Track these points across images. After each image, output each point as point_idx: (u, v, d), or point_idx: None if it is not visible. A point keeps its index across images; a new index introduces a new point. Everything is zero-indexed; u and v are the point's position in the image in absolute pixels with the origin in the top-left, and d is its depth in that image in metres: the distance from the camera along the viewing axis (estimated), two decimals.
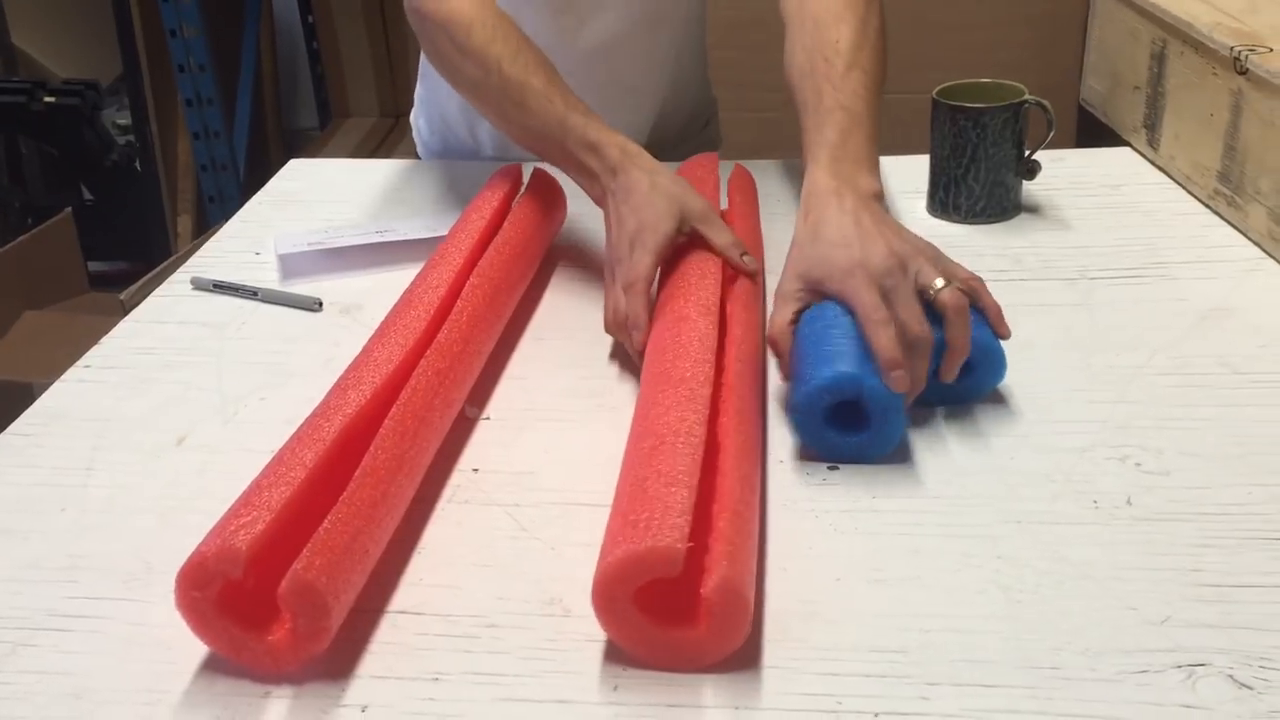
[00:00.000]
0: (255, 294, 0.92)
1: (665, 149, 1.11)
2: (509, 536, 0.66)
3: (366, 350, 0.73)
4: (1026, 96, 0.98)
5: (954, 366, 0.71)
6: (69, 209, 2.31)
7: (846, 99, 0.83)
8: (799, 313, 0.74)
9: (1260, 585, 0.59)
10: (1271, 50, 0.91)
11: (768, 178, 1.10)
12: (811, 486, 0.69)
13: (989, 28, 1.92)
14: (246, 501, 0.58)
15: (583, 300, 0.92)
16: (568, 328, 0.88)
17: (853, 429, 0.69)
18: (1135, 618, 0.58)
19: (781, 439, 0.73)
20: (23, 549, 0.66)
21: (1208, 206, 0.99)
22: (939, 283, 0.70)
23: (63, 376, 0.84)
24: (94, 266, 2.54)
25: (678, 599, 0.56)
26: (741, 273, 0.80)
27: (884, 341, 0.68)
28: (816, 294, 0.74)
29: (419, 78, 1.25)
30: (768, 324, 0.76)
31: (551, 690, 0.55)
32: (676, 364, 0.69)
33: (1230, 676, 0.54)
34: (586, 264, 0.98)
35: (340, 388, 0.69)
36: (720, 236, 0.81)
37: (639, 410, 0.68)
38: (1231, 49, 0.93)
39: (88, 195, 2.82)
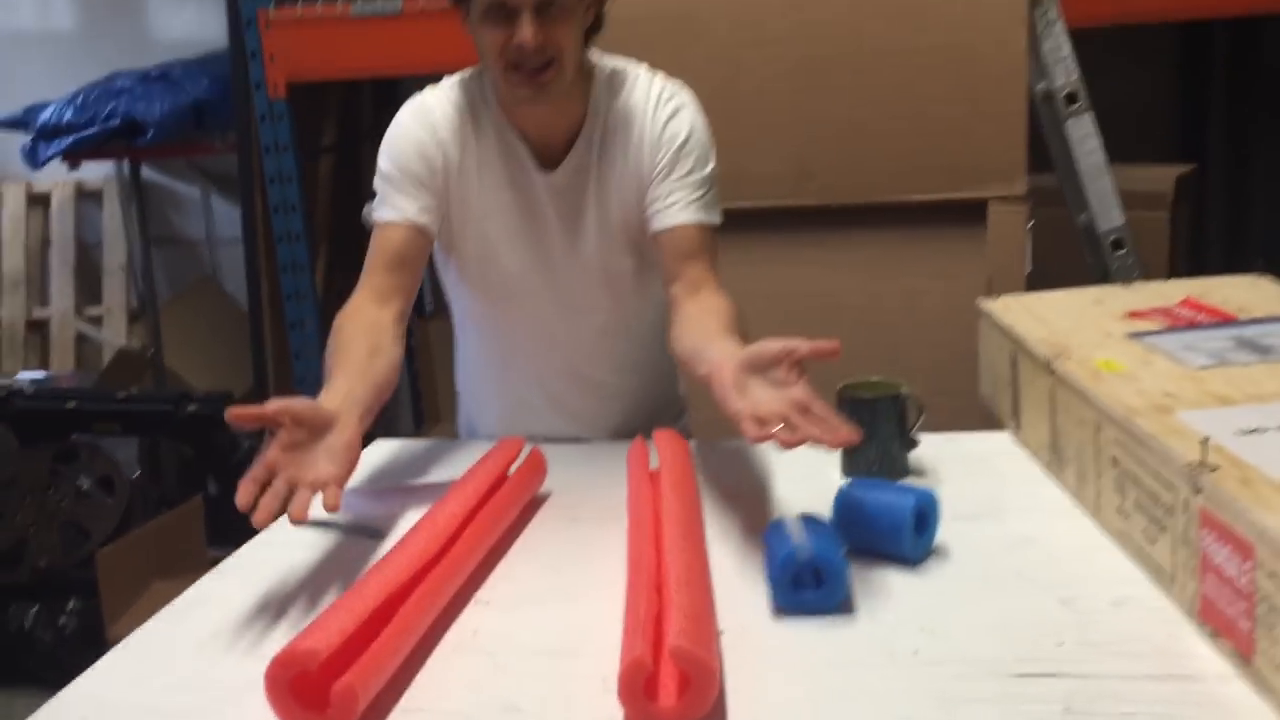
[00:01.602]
0: (335, 526, 1.28)
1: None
2: (489, 672, 0.97)
3: (403, 548, 1.08)
4: (903, 390, 1.33)
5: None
6: (199, 496, 2.73)
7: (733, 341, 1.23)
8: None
9: (984, 700, 0.88)
10: (1070, 358, 1.25)
11: (728, 458, 1.45)
12: None
13: (944, 346, 2.25)
14: (322, 626, 0.91)
15: (554, 534, 1.26)
16: (553, 540, 1.22)
17: (811, 587, 1.02)
18: (885, 714, 0.87)
19: None
20: (170, 673, 1.00)
21: (1046, 472, 1.31)
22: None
23: (198, 581, 1.20)
24: (213, 552, 2.93)
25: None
26: None
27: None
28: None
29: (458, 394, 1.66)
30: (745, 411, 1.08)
31: None
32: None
33: None
34: (559, 513, 1.33)
35: (389, 565, 1.03)
36: None
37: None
38: (1045, 357, 1.27)
39: (213, 489, 3.26)
